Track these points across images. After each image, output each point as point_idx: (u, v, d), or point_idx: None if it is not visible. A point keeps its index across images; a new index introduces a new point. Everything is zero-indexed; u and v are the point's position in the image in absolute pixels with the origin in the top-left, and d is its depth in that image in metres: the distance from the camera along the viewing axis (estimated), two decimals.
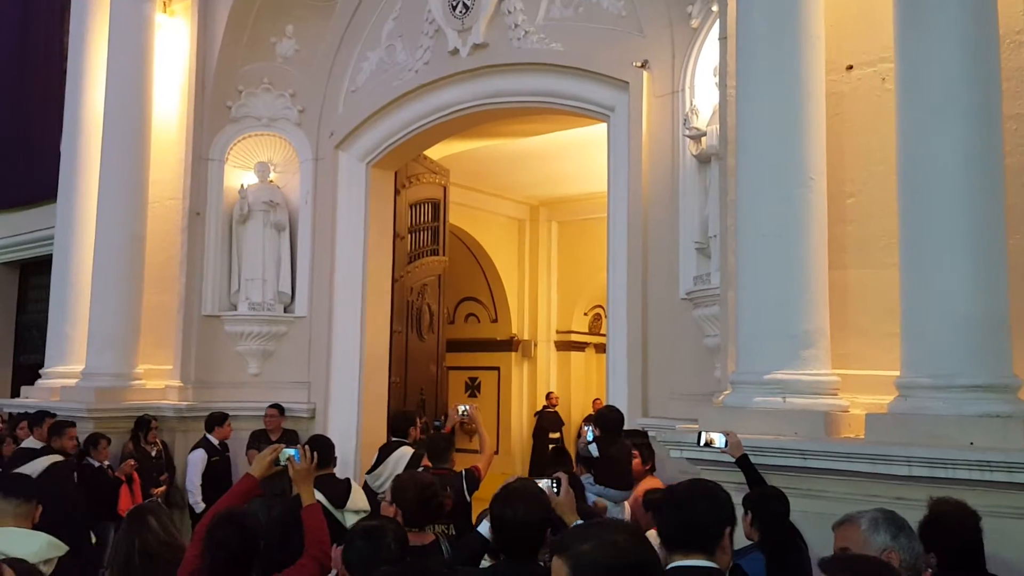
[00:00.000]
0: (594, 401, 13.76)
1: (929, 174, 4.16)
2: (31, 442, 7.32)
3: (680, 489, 2.71)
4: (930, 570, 3.14)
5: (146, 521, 3.51)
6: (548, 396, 14.15)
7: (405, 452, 6.09)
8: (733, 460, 4.22)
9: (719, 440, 4.16)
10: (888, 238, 4.59)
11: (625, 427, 6.46)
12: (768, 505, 3.71)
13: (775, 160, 4.71)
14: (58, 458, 6.89)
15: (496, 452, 10.65)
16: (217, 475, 7.69)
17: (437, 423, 6.85)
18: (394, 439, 6.44)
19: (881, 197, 4.69)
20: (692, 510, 2.55)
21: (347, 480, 4.93)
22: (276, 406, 8.33)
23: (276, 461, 3.82)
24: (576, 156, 11.30)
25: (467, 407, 6.06)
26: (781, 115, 4.71)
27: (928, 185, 4.16)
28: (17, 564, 2.55)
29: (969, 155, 4.09)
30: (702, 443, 4.20)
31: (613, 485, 5.92)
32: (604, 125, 7.68)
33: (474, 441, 6.33)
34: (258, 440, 7.93)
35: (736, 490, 4.05)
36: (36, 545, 3.30)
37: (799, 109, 4.70)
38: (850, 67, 4.99)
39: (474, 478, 5.44)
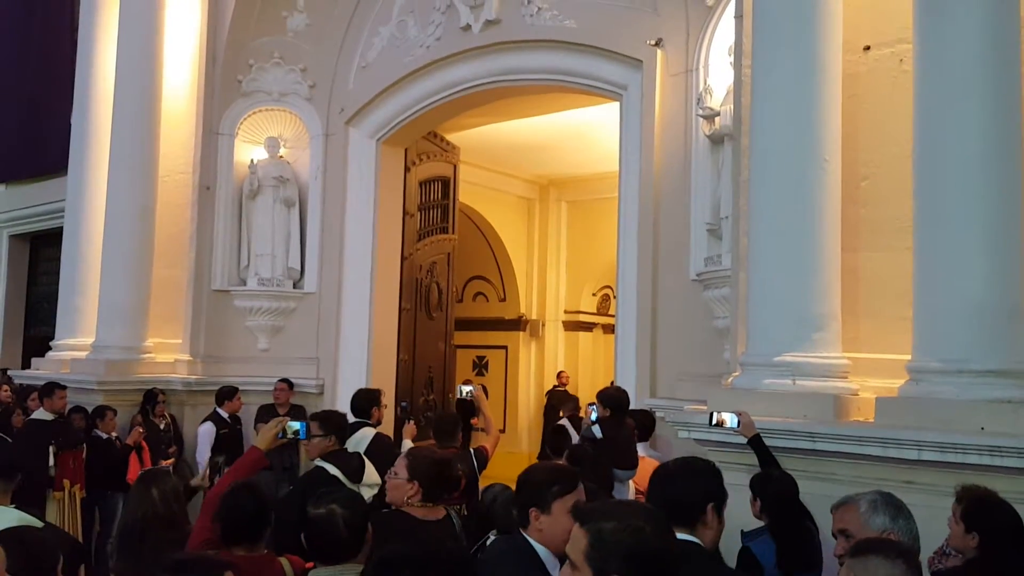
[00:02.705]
0: (612, 384, 13.74)
1: (945, 157, 4.11)
2: (41, 413, 7.37)
3: (671, 464, 2.81)
4: (948, 554, 3.14)
5: (149, 492, 3.53)
6: (559, 375, 14.12)
7: (367, 433, 5.77)
8: (743, 441, 4.21)
9: (730, 420, 4.15)
10: (902, 221, 4.55)
11: (632, 407, 6.48)
12: (768, 488, 3.71)
13: (789, 141, 4.67)
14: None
15: (503, 430, 10.67)
16: (226, 447, 7.73)
17: (403, 404, 6.68)
18: (356, 420, 5.89)
19: (896, 180, 4.64)
20: (675, 485, 2.63)
21: (358, 455, 4.93)
22: (285, 380, 8.36)
23: (282, 434, 3.84)
24: (587, 136, 11.23)
25: (471, 388, 6.01)
26: (796, 95, 4.66)
27: (944, 168, 4.11)
28: (27, 532, 2.56)
29: (986, 139, 4.03)
30: (713, 423, 4.19)
31: (617, 465, 5.93)
32: (616, 104, 7.63)
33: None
34: (266, 414, 7.94)
35: (747, 472, 4.05)
36: (7, 523, 3.29)
37: (815, 90, 4.66)
38: (867, 48, 4.93)
39: (483, 457, 5.46)
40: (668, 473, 2.75)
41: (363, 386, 8.64)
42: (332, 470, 4.49)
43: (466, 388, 6.04)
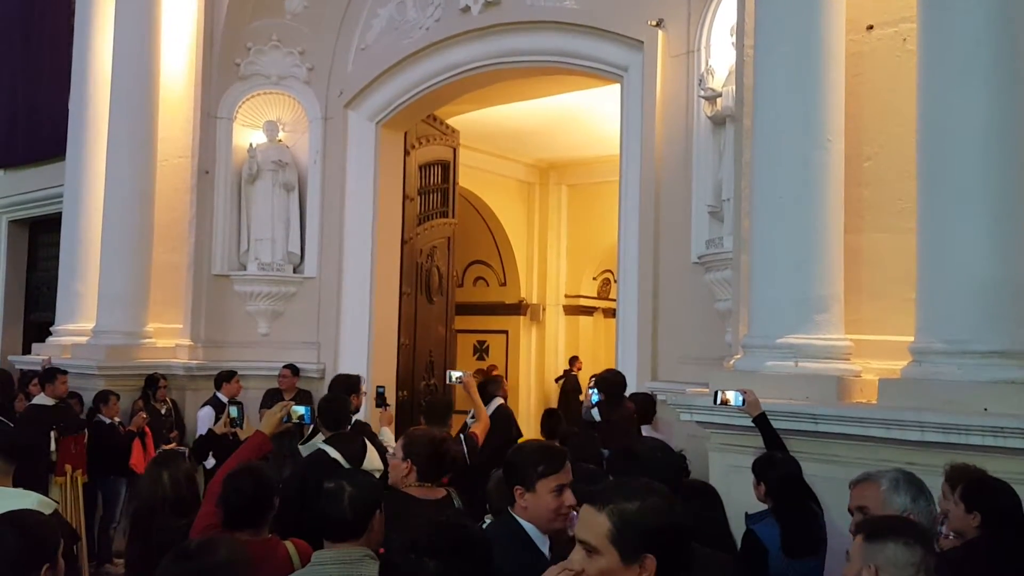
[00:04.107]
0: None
1: (949, 137, 4.08)
2: (42, 399, 7.37)
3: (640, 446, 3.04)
4: (947, 534, 3.13)
5: (160, 476, 3.53)
6: (574, 360, 13.95)
7: None
8: (746, 423, 4.20)
9: (735, 399, 4.14)
10: (905, 202, 4.53)
11: (634, 390, 6.47)
12: (771, 471, 3.70)
13: (792, 122, 4.63)
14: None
15: None
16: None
17: (381, 389, 6.47)
18: None
19: (899, 160, 4.62)
20: (646, 465, 2.76)
21: (361, 439, 4.91)
22: (290, 366, 8.32)
23: (287, 418, 3.84)
24: (587, 119, 11.18)
25: (461, 374, 5.84)
26: (799, 76, 4.63)
27: (947, 148, 4.09)
28: (28, 514, 2.55)
29: (990, 118, 4.00)
30: (717, 402, 4.18)
31: (616, 447, 5.90)
32: (617, 86, 7.58)
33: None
34: (272, 399, 7.94)
35: (751, 454, 4.05)
36: (28, 503, 3.29)
37: (817, 70, 4.62)
38: (870, 27, 4.88)
39: (473, 443, 5.36)
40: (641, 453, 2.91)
41: (364, 371, 8.67)
42: (333, 453, 4.49)
43: (455, 374, 5.88)
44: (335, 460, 4.45)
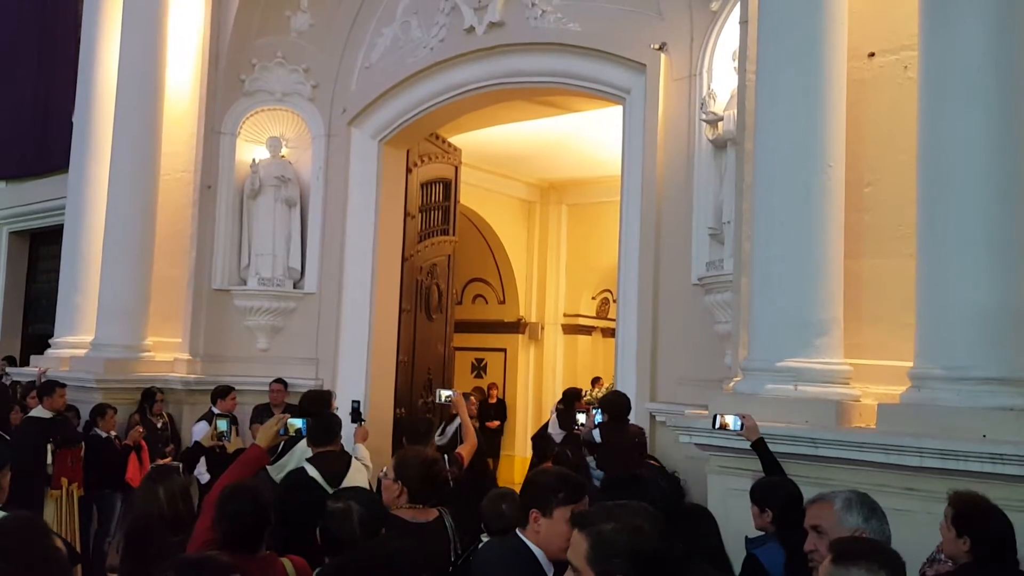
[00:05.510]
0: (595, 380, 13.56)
1: (949, 164, 4.12)
2: (39, 411, 7.35)
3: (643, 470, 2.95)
4: (945, 560, 3.13)
5: (156, 491, 3.51)
6: (596, 382, 13.77)
7: None
8: (745, 446, 4.20)
9: (734, 423, 4.14)
10: (905, 228, 4.55)
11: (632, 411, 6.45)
12: (775, 495, 3.67)
13: (793, 146, 4.67)
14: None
15: (502, 435, 10.42)
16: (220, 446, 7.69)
17: (355, 403, 6.29)
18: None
19: (900, 187, 4.64)
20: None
21: (346, 457, 4.81)
22: (280, 381, 8.33)
23: (283, 430, 3.82)
24: (589, 140, 11.24)
25: (451, 393, 5.74)
26: (801, 101, 4.67)
27: (948, 175, 4.12)
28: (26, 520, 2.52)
29: (990, 146, 4.04)
30: (716, 426, 4.18)
31: (614, 470, 5.87)
32: (619, 108, 7.63)
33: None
34: (261, 415, 7.92)
35: (750, 477, 4.04)
36: None
37: (819, 95, 4.66)
38: (872, 54, 4.93)
39: (458, 463, 5.21)
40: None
41: (362, 387, 8.68)
42: (311, 471, 4.42)
43: (445, 393, 5.77)
44: (312, 479, 4.37)
